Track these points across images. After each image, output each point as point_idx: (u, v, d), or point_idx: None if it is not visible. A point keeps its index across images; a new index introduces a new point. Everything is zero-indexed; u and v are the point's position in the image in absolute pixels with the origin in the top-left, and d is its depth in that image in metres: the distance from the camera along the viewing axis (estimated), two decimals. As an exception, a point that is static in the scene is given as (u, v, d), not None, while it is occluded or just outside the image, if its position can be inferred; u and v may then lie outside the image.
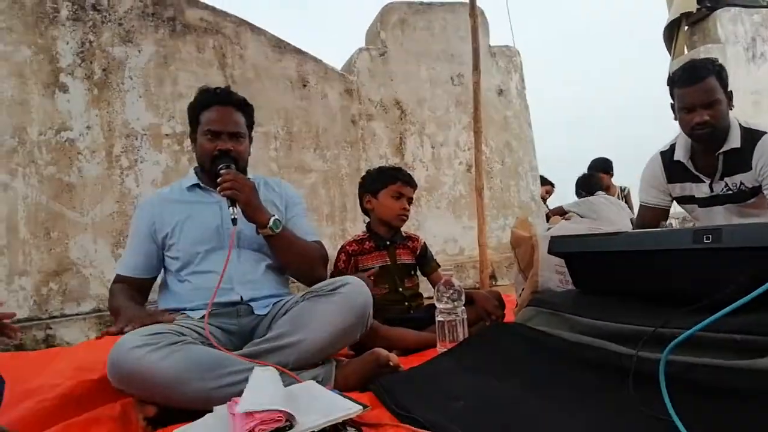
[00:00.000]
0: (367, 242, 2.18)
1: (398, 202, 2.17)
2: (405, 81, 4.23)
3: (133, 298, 1.68)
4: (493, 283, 3.98)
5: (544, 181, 5.42)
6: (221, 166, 1.64)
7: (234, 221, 1.56)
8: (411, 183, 2.21)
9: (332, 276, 2.21)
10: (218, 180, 1.59)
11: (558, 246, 1.49)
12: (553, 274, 1.66)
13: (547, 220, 4.88)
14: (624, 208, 4.08)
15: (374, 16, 4.39)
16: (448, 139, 4.30)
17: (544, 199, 5.47)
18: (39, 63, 3.12)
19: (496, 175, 4.46)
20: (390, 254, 2.18)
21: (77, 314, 3.04)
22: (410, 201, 2.21)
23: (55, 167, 3.10)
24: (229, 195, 1.56)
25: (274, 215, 1.62)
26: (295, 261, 1.73)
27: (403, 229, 2.28)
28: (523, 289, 1.81)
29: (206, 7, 3.57)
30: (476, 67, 3.41)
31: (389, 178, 2.21)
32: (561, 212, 5.21)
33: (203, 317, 1.56)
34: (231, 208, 1.57)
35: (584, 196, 4.53)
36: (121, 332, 1.39)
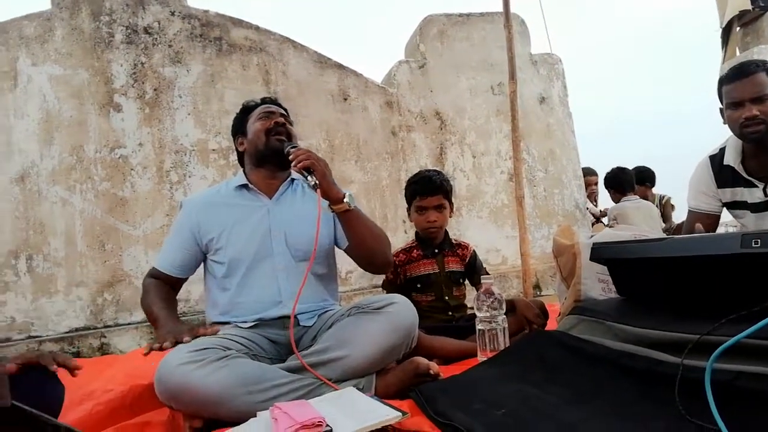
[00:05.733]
0: (416, 250, 2.18)
1: (422, 216, 2.13)
2: (445, 92, 4.24)
3: (168, 296, 1.70)
4: (537, 293, 3.91)
5: (589, 171, 5.02)
6: (288, 145, 1.66)
7: (315, 186, 1.52)
8: (430, 191, 2.11)
9: (382, 286, 2.24)
10: (290, 157, 1.58)
11: (600, 253, 1.46)
12: (596, 282, 1.63)
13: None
14: (653, 215, 3.91)
15: (413, 29, 4.43)
16: (489, 148, 4.28)
17: (593, 196, 5.07)
18: (96, 85, 3.29)
19: (539, 184, 4.40)
20: (438, 262, 2.16)
21: (129, 323, 3.16)
22: (439, 207, 2.13)
23: (109, 183, 3.25)
24: (307, 165, 1.53)
25: (347, 191, 1.61)
26: (369, 238, 1.68)
27: (452, 236, 2.27)
28: (565, 298, 1.78)
29: (251, 26, 3.69)
30: (512, 77, 3.38)
31: (410, 194, 2.18)
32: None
33: (252, 326, 1.61)
34: (309, 176, 1.53)
35: (613, 195, 4.31)
36: (162, 349, 1.42)
